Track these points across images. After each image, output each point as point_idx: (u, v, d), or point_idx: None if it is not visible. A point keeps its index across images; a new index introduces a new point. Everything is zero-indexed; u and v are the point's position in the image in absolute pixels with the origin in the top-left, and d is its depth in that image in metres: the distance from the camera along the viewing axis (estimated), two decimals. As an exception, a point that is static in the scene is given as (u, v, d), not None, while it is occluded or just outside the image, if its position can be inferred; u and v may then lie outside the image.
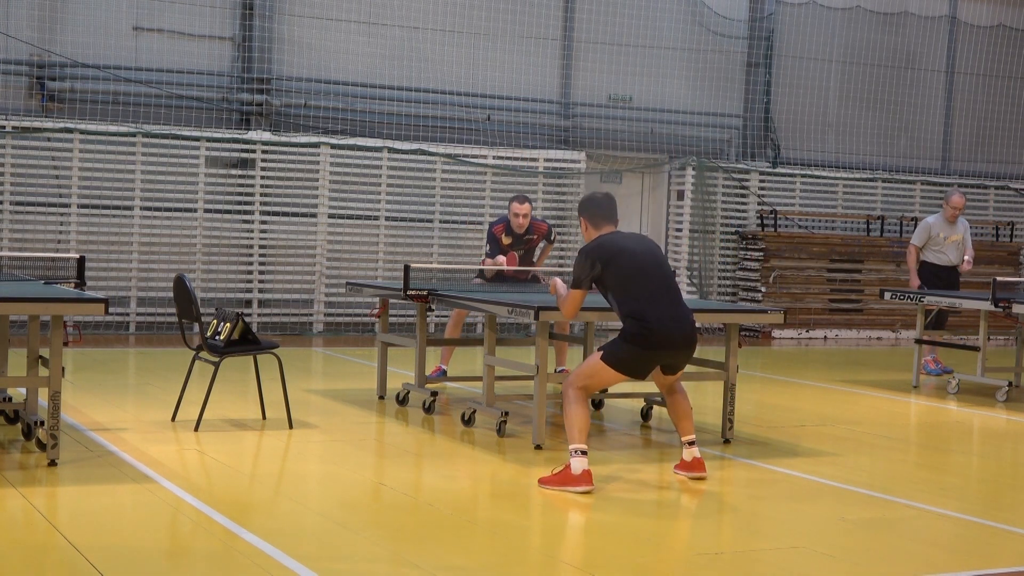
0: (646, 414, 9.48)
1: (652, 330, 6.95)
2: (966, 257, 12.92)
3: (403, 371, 11.11)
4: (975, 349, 11.68)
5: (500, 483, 7.31)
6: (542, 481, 6.99)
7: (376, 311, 10.28)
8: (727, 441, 8.55)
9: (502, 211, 16.47)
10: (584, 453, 6.91)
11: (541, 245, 11.18)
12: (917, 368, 12.24)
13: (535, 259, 11.24)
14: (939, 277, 12.84)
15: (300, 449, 8.01)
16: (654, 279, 7.09)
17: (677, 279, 7.23)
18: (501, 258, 10.75)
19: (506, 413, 8.54)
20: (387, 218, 15.92)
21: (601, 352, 7.09)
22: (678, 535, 6.23)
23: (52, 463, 6.95)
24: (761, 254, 17.60)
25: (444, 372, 10.89)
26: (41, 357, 7.54)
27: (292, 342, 14.27)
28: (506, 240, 10.86)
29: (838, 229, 18.66)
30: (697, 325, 7.38)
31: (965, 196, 13.37)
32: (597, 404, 9.94)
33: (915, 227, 17.69)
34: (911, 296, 12.19)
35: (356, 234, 15.81)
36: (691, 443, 7.31)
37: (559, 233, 16.90)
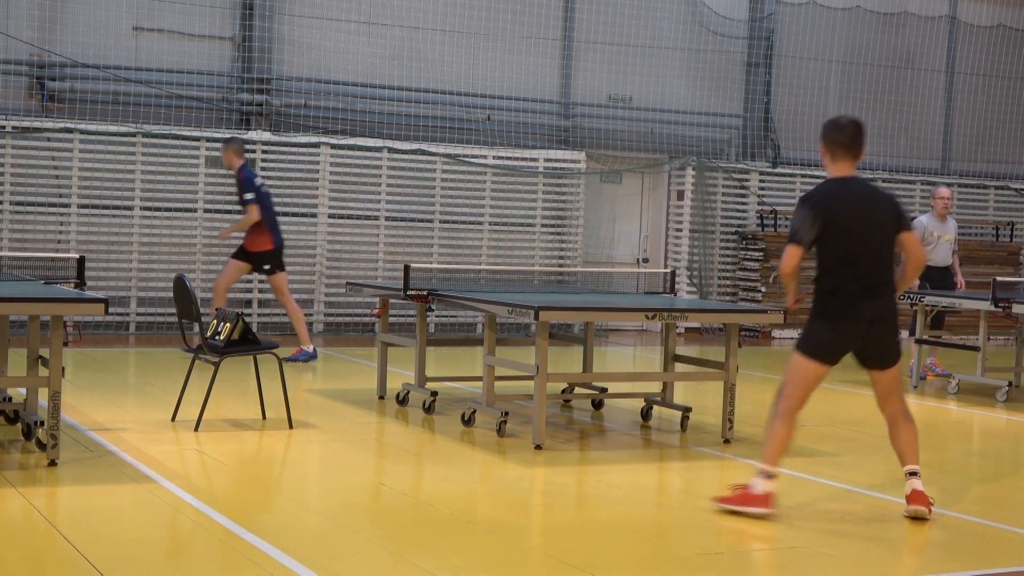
0: (646, 414, 9.47)
1: (838, 297, 6.45)
2: (959, 280, 12.78)
3: (403, 371, 11.12)
4: (975, 349, 11.67)
5: (500, 483, 7.31)
6: (720, 500, 6.55)
7: (376, 311, 10.27)
8: (727, 441, 8.55)
9: (502, 211, 16.49)
10: (771, 476, 6.42)
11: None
12: (917, 368, 12.23)
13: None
14: (931, 279, 12.64)
15: (300, 449, 8.01)
16: (863, 251, 6.43)
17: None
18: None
19: (506, 413, 8.53)
20: (387, 218, 15.92)
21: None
22: (678, 535, 6.23)
23: (52, 463, 6.95)
24: (761, 254, 17.60)
25: (307, 353, 11.77)
26: (41, 357, 7.54)
27: (292, 342, 14.27)
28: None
29: (838, 229, 18.63)
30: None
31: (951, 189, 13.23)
32: (597, 404, 9.94)
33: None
34: (911, 296, 12.17)
35: (356, 234, 15.81)
36: (910, 474, 6.54)
37: (557, 231, 16.90)
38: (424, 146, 15.99)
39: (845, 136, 6.55)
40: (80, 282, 8.91)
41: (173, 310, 9.25)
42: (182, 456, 7.56)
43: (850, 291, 6.44)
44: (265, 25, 15.37)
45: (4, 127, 14.15)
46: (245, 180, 11.99)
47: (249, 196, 11.94)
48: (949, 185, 19.20)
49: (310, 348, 12.27)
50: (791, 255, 6.50)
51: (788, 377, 6.60)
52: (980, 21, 19.72)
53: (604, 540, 5.98)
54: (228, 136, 13.51)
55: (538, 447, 8.03)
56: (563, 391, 10.00)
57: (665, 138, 17.72)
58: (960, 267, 13.03)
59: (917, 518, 6.45)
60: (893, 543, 6.09)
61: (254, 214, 11.90)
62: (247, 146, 15.18)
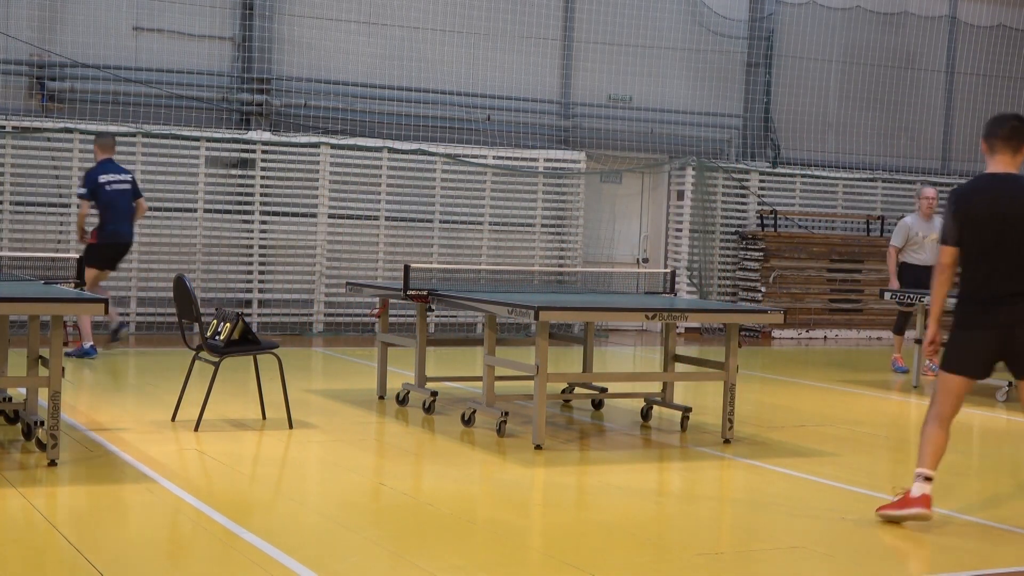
0: (646, 414, 9.47)
1: (975, 304, 6.24)
2: None
3: (403, 371, 11.12)
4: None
5: (500, 483, 7.31)
6: (881, 510, 6.43)
7: (376, 311, 10.29)
8: (727, 441, 8.55)
9: (502, 211, 16.49)
10: (928, 479, 6.27)
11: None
12: (918, 368, 12.23)
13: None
14: (919, 279, 12.65)
15: (300, 449, 8.01)
16: (999, 252, 6.21)
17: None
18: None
19: (506, 413, 8.53)
20: (387, 218, 15.92)
21: None
22: (678, 535, 6.23)
23: (52, 463, 6.95)
24: (761, 254, 17.60)
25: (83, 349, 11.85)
26: (41, 357, 7.54)
27: (292, 342, 14.27)
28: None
29: (838, 229, 18.66)
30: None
31: (936, 188, 13.35)
32: (597, 404, 9.94)
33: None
34: (911, 296, 12.17)
35: (356, 234, 15.81)
36: None
37: (557, 232, 16.89)
38: (424, 146, 15.99)
39: (1004, 129, 6.34)
40: (80, 282, 8.91)
41: (173, 310, 9.25)
42: (182, 456, 7.55)
43: (986, 297, 6.25)
44: (265, 25, 15.37)
45: (4, 127, 14.15)
46: (86, 176, 12.21)
47: (80, 191, 12.27)
48: (949, 185, 19.20)
49: (87, 345, 12.03)
50: (941, 254, 6.39)
51: (938, 387, 6.46)
52: (980, 21, 19.72)
53: (604, 540, 5.97)
54: (100, 131, 13.59)
55: (538, 447, 8.03)
56: (563, 391, 9.99)
57: (665, 138, 17.72)
58: None
59: None
60: (893, 543, 6.09)
61: (82, 208, 12.18)
62: (247, 147, 15.21)
